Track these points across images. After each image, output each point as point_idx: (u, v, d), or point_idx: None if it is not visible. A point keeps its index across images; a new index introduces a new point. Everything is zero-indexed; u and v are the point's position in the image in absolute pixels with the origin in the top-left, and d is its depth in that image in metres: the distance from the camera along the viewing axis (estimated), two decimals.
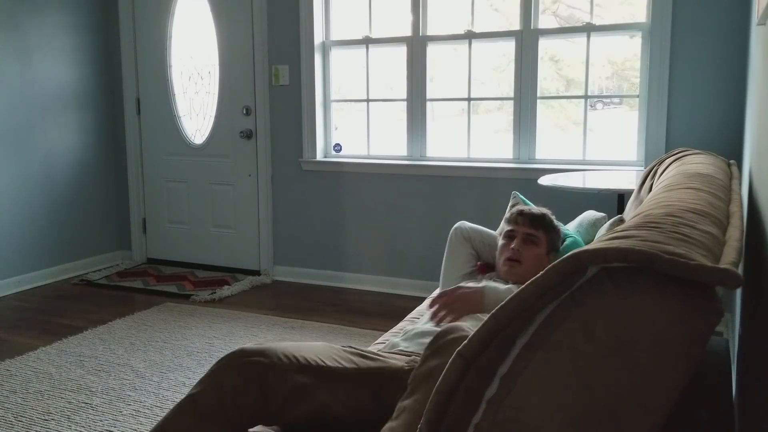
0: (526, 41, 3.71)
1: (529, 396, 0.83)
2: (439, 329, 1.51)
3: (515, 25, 3.75)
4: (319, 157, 4.29)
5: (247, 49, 4.37)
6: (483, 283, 1.98)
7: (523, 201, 2.54)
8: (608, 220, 2.38)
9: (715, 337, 2.39)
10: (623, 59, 3.77)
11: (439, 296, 1.93)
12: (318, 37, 4.20)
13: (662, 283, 0.81)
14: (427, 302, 2.24)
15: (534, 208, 2.18)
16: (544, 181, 3.12)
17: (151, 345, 3.25)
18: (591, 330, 0.81)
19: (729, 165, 2.01)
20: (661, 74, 3.38)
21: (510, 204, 2.56)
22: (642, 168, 3.46)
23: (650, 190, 1.98)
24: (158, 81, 4.70)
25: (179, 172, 4.74)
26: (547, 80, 3.85)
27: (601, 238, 0.97)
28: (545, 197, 2.84)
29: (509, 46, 3.80)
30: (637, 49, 3.54)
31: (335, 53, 4.29)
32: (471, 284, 2.02)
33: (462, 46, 3.95)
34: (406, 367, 1.60)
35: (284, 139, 4.36)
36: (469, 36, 3.88)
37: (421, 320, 2.06)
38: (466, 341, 0.90)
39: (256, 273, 4.51)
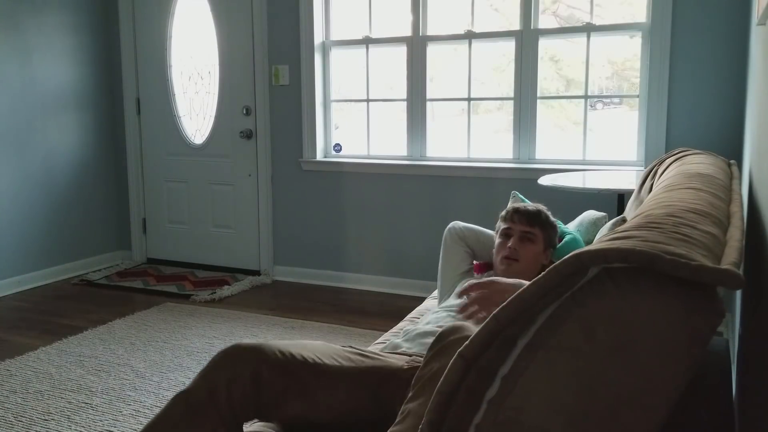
0: (526, 41, 3.71)
1: (530, 396, 0.83)
2: (440, 329, 1.50)
3: (515, 25, 3.75)
4: (319, 157, 4.29)
5: (247, 49, 4.37)
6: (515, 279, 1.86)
7: (523, 201, 2.53)
8: (608, 220, 2.37)
9: (715, 337, 2.38)
10: (623, 59, 3.77)
11: (471, 288, 1.75)
12: (318, 37, 4.20)
13: (663, 283, 0.81)
14: (457, 290, 2.10)
15: (530, 205, 2.16)
16: (544, 181, 3.12)
17: (151, 345, 3.25)
18: (592, 330, 0.81)
19: (729, 165, 2.01)
20: (661, 74, 3.38)
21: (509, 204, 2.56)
22: (642, 168, 3.46)
23: (650, 190, 1.98)
24: (158, 81, 4.70)
25: (179, 172, 4.74)
26: (547, 80, 3.85)
27: (602, 239, 0.97)
28: (545, 197, 2.83)
29: (509, 46, 3.80)
30: (637, 49, 3.54)
31: (335, 53, 4.28)
32: (505, 279, 1.84)
33: (462, 46, 3.95)
34: (406, 367, 1.59)
35: (284, 139, 4.36)
36: (469, 36, 3.88)
37: (421, 320, 2.05)
38: (467, 342, 0.90)
39: (256, 273, 4.51)
